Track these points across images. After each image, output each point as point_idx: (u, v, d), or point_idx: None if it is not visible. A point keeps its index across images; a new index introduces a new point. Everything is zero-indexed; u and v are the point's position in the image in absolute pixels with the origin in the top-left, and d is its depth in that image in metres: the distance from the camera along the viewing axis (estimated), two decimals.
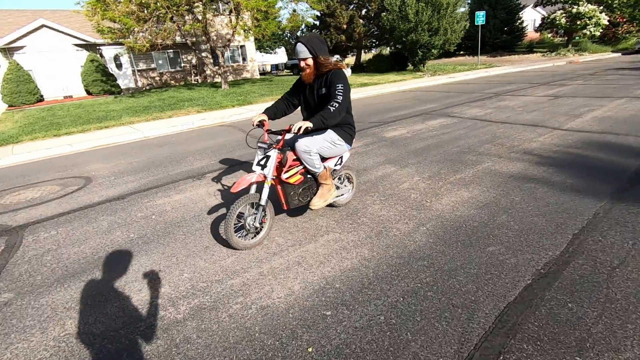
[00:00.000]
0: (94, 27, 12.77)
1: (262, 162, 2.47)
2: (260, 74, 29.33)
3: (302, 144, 2.48)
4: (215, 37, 20.64)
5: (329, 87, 2.47)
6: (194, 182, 4.22)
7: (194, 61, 21.77)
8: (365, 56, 28.15)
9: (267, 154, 2.46)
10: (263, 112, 2.71)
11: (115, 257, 2.62)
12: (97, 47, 18.41)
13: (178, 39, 16.77)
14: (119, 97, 15.45)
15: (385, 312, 1.83)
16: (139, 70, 20.28)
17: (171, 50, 20.70)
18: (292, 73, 28.71)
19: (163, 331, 1.82)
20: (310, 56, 2.43)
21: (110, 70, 18.07)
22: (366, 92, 12.04)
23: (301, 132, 2.29)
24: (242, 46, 23.55)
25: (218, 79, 21.86)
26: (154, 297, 2.11)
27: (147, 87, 20.09)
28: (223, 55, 14.76)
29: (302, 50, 2.41)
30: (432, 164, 4.11)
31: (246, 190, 2.76)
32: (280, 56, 35.46)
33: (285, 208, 2.71)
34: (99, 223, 3.27)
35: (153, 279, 2.28)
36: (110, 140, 7.35)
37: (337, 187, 2.99)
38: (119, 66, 19.64)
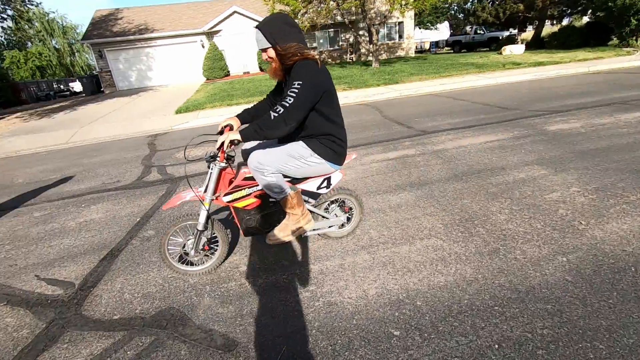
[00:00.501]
0: (270, 10, 14.48)
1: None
2: (417, 52, 27.94)
3: (254, 160, 1.92)
4: (373, 15, 20.55)
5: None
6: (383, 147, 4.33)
7: (351, 40, 22.35)
8: (550, 29, 23.12)
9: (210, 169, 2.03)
10: (236, 115, 2.15)
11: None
12: None
13: (339, 18, 17.42)
14: None
15: (468, 356, 1.43)
16: None
17: (332, 30, 21.76)
18: (452, 51, 26.27)
19: (237, 298, 1.92)
20: (269, 45, 1.83)
21: None
22: (539, 73, 9.90)
23: (225, 147, 1.83)
24: (399, 23, 22.76)
25: (371, 58, 21.91)
26: (241, 264, 2.25)
27: None
28: (377, 33, 14.55)
29: (258, 38, 1.85)
30: (605, 173, 3.03)
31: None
32: (441, 32, 32.79)
33: (243, 235, 2.19)
34: None
35: (244, 247, 2.44)
36: None
37: (323, 217, 2.29)
38: None
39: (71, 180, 4.55)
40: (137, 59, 20.84)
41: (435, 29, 32.93)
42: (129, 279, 2.20)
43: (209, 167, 2.03)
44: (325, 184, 2.18)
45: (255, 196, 2.07)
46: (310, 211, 2.22)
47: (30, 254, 2.70)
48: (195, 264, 2.20)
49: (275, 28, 1.82)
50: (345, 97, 8.80)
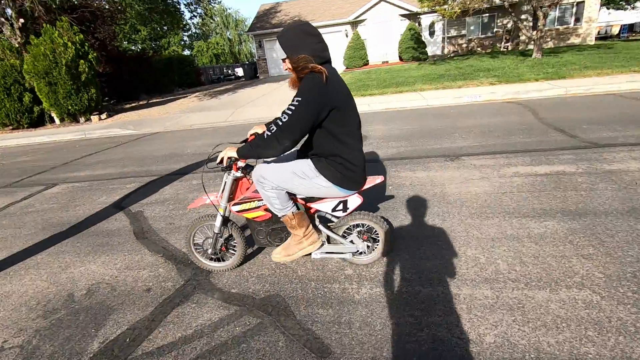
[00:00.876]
0: None
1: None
2: (599, 38, 22.58)
3: (257, 172, 1.90)
4: None
5: None
6: (445, 161, 3.96)
7: (508, 25, 19.52)
8: None
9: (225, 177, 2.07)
10: (266, 124, 2.01)
11: None
12: (417, 16, 19.99)
13: (497, 0, 15.39)
14: (422, 64, 16.48)
15: None
16: (448, 37, 20.58)
17: (486, 15, 19.41)
18: None
19: (337, 303, 1.90)
20: (285, 56, 1.73)
21: (423, 38, 19.37)
22: None
23: (225, 163, 1.87)
24: (578, 3, 18.65)
25: (531, 46, 18.72)
26: (348, 267, 2.22)
27: (452, 55, 20.19)
28: (545, 17, 12.26)
29: (277, 47, 1.78)
30: None
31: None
32: None
33: (256, 244, 2.22)
34: None
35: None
36: (399, 105, 8.07)
37: (339, 243, 2.10)
38: (432, 34, 20.66)
39: None
40: None
41: (632, 8, 25.73)
42: (251, 259, 2.43)
43: (225, 175, 2.07)
44: (341, 206, 2.00)
45: (265, 209, 2.04)
46: (328, 232, 2.09)
47: (184, 216, 3.28)
48: (217, 261, 2.32)
49: (289, 38, 1.71)
50: (492, 93, 7.76)
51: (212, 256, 2.28)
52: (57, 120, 11.65)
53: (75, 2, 12.73)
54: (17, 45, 11.20)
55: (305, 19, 22.11)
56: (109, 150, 7.07)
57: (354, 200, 1.99)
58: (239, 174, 2.05)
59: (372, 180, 2.02)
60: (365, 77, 13.92)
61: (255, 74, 24.80)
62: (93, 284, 2.35)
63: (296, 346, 1.64)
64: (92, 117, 11.56)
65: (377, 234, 2.13)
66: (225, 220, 2.20)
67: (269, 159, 2.05)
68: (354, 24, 21.12)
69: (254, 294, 2.05)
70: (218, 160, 1.91)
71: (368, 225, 2.12)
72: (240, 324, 1.82)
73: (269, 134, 1.69)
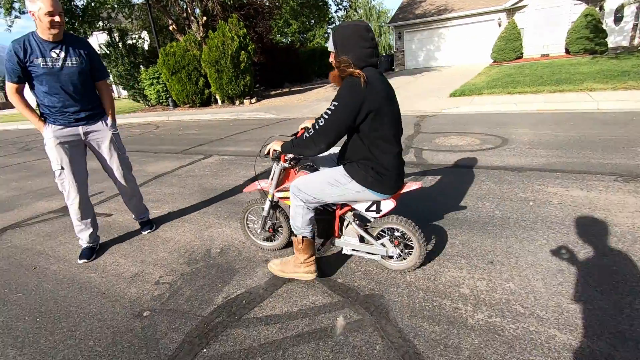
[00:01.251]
0: None
1: None
2: None
3: (294, 184, 2.01)
4: None
5: None
6: (614, 181, 3.14)
7: None
8: None
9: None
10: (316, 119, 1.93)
11: (433, 228, 2.64)
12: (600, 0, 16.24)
13: None
14: (597, 58, 13.41)
15: None
16: None
17: None
18: None
19: (446, 322, 1.72)
20: (332, 50, 1.79)
21: (603, 26, 15.70)
22: None
23: (272, 155, 2.04)
24: None
25: None
26: (464, 284, 1.98)
27: None
28: None
29: (330, 39, 1.81)
30: None
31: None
32: None
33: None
34: (479, 186, 3.34)
35: (474, 264, 2.12)
36: (556, 107, 6.80)
37: (371, 244, 2.12)
38: (618, 20, 16.54)
39: None
40: (429, 39, 21.81)
41: None
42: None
43: (274, 164, 2.21)
44: (374, 208, 2.00)
45: None
46: (361, 231, 2.11)
47: None
48: (266, 241, 2.59)
49: (343, 36, 1.74)
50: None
51: (261, 235, 2.56)
52: (219, 102, 13.91)
53: (244, 1, 14.78)
54: (199, 39, 13.71)
55: (452, 8, 20.56)
56: (254, 130, 8.07)
57: (387, 204, 1.98)
58: (286, 165, 2.16)
59: (409, 186, 2.02)
60: (517, 72, 12.15)
61: (391, 66, 24.49)
62: (225, 245, 2.73)
63: (394, 355, 1.56)
64: (244, 100, 13.39)
65: (412, 241, 2.05)
66: (275, 206, 2.42)
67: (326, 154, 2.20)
68: (511, 11, 18.55)
69: (359, 289, 2.03)
70: (265, 152, 2.07)
71: (402, 232, 2.07)
72: (342, 315, 1.84)
73: (307, 135, 1.80)
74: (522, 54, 17.70)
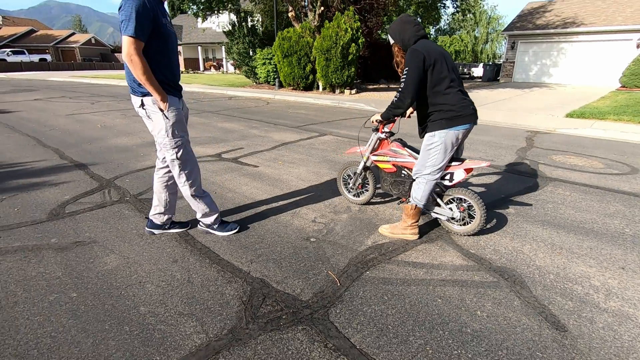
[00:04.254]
0: None
1: None
2: None
3: (416, 171, 2.58)
4: None
5: None
6: None
7: None
8: None
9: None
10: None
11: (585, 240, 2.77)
12: None
13: None
14: None
15: None
16: None
17: None
18: None
19: (578, 300, 1.98)
20: (393, 41, 2.49)
21: None
22: None
23: (374, 124, 2.81)
24: None
25: None
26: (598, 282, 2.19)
27: None
28: None
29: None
30: None
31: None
32: None
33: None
34: (606, 205, 3.36)
35: (601, 268, 2.30)
36: None
37: (441, 206, 2.69)
38: None
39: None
40: (547, 53, 20.10)
41: None
42: (487, 234, 2.74)
43: (373, 134, 2.88)
44: (448, 177, 2.55)
45: (393, 164, 2.77)
46: (436, 197, 2.69)
47: None
48: (355, 196, 3.26)
49: (394, 29, 2.46)
50: None
51: (352, 191, 3.24)
52: (320, 88, 14.75)
53: None
54: (313, 28, 14.61)
55: (582, 22, 18.65)
56: (357, 119, 8.58)
57: (459, 174, 2.50)
58: (382, 135, 2.82)
59: (479, 162, 2.49)
60: None
61: (496, 76, 23.13)
62: (362, 207, 3.24)
63: (531, 311, 1.89)
64: (345, 90, 14.01)
65: (475, 212, 2.55)
66: (366, 168, 3.07)
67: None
68: None
69: (491, 261, 2.37)
70: (369, 121, 2.83)
71: (469, 202, 2.58)
72: (479, 275, 2.20)
73: (395, 99, 2.38)
74: None
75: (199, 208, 2.55)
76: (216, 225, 2.63)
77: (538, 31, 19.58)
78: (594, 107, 9.94)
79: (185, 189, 2.45)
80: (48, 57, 39.30)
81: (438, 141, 2.39)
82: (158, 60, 2.13)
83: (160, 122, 2.22)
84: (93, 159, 4.62)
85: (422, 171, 2.50)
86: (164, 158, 2.46)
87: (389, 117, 2.55)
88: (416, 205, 2.56)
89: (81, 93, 13.68)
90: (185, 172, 2.38)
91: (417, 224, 2.64)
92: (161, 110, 2.18)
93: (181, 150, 2.31)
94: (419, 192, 2.52)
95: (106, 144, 5.46)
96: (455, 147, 2.46)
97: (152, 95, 2.13)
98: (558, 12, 20.82)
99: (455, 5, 14.39)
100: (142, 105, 2.21)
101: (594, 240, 2.69)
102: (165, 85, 2.19)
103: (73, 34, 45.85)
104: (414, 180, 2.61)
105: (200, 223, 2.65)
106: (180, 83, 2.38)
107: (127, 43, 1.95)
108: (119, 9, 1.98)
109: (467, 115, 2.36)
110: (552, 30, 19.11)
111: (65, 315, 1.80)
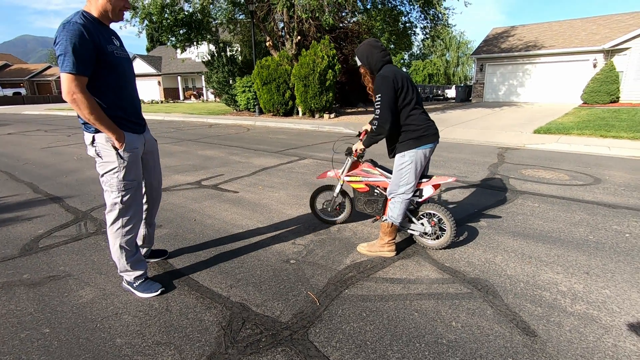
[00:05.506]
0: None
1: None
2: None
3: (390, 191, 2.69)
4: None
5: None
6: None
7: None
8: None
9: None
10: (370, 122, 2.74)
11: (571, 247, 2.92)
12: None
13: None
14: None
15: None
16: None
17: None
18: None
19: (547, 306, 2.07)
20: (360, 64, 2.64)
21: None
22: None
23: (355, 155, 2.87)
24: None
25: None
26: (563, 284, 2.30)
27: None
28: None
29: (355, 63, 2.97)
30: None
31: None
32: None
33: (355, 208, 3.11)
34: (571, 214, 3.55)
35: (568, 274, 2.42)
36: None
37: (413, 222, 2.82)
38: None
39: (438, 167, 5.86)
40: (513, 74, 21.29)
41: None
42: (461, 247, 2.84)
43: (347, 158, 2.99)
44: (418, 193, 2.69)
45: (366, 184, 2.90)
46: (407, 213, 2.76)
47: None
48: (330, 217, 3.33)
49: (361, 52, 2.61)
50: None
51: (328, 212, 3.31)
52: (300, 113, 15.05)
53: (336, 24, 15.97)
54: (291, 56, 15.08)
55: (543, 45, 19.97)
56: (337, 142, 8.77)
57: (428, 190, 2.67)
58: (355, 159, 2.96)
59: (445, 178, 2.69)
60: (611, 116, 11.54)
61: (468, 97, 24.21)
62: (341, 227, 3.30)
63: (503, 319, 1.96)
64: (324, 115, 14.34)
65: (445, 225, 2.68)
66: (343, 193, 3.21)
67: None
68: (609, 52, 17.54)
69: (465, 273, 2.45)
70: (350, 149, 2.87)
71: (439, 217, 2.71)
72: (453, 287, 2.27)
73: (374, 127, 2.53)
74: (618, 98, 16.57)
75: (120, 262, 2.17)
76: (137, 284, 2.22)
77: (503, 54, 20.80)
78: (559, 123, 10.51)
79: (115, 237, 2.10)
80: (23, 91, 38.68)
81: (408, 160, 2.53)
82: (108, 94, 1.92)
83: (113, 162, 1.97)
84: (69, 191, 4.55)
85: (397, 191, 2.61)
86: (144, 192, 2.34)
87: (371, 144, 2.67)
88: (392, 223, 2.65)
89: (57, 125, 13.49)
90: (125, 219, 2.08)
91: (394, 241, 2.72)
92: (116, 149, 1.96)
93: (128, 195, 2.05)
94: (395, 211, 2.63)
95: (83, 175, 5.38)
96: (424, 165, 2.59)
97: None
98: (520, 37, 22.26)
99: (424, 33, 15.22)
100: (93, 142, 1.96)
101: (561, 248, 2.83)
102: (122, 120, 1.99)
103: (49, 67, 45.42)
104: (387, 198, 2.72)
105: (123, 280, 2.28)
106: (143, 114, 2.20)
107: (66, 81, 1.74)
108: (54, 43, 1.77)
109: (431, 135, 2.56)
110: (516, 53, 20.35)
111: (37, 352, 1.75)
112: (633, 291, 2.22)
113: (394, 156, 2.65)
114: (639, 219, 3.43)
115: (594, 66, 18.03)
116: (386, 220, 2.69)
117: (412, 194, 2.59)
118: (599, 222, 3.35)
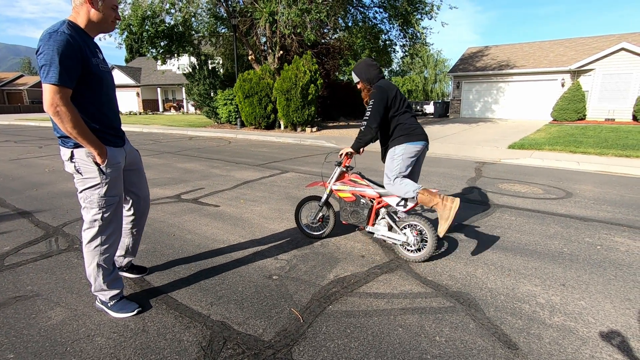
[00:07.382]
0: None
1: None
2: None
3: (386, 183, 2.91)
4: None
5: None
6: None
7: None
8: None
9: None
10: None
11: (577, 256, 3.00)
12: None
13: None
14: None
15: None
16: None
17: None
18: None
19: (527, 319, 2.11)
20: (358, 80, 2.97)
21: None
22: None
23: (342, 158, 3.04)
24: None
25: None
26: (540, 296, 2.36)
27: None
28: None
29: (352, 79, 2.73)
30: None
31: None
32: None
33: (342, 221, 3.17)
34: (546, 227, 3.67)
35: (545, 286, 2.48)
36: (621, 170, 6.88)
37: (396, 232, 2.90)
38: None
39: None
40: (488, 91, 22.19)
41: None
42: (443, 261, 2.87)
43: (335, 167, 3.10)
44: (402, 202, 2.79)
45: (352, 193, 2.98)
46: (391, 222, 2.89)
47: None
48: (313, 231, 3.31)
49: (359, 69, 2.96)
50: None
51: (312, 226, 3.29)
52: (282, 127, 15.07)
53: (318, 40, 16.27)
54: (273, 70, 15.19)
55: (514, 65, 20.96)
56: (318, 155, 8.81)
57: (412, 201, 2.76)
58: (344, 169, 3.07)
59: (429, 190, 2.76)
60: (579, 132, 12.16)
61: (445, 112, 24.96)
62: (325, 241, 3.28)
63: (485, 333, 1.98)
64: (306, 128, 14.42)
65: (427, 236, 2.73)
66: (327, 204, 3.24)
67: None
68: (576, 73, 18.59)
69: (447, 287, 2.48)
70: (340, 153, 3.01)
71: (420, 227, 2.77)
72: (436, 301, 2.29)
73: (363, 128, 2.79)
74: (584, 115, 17.51)
75: (96, 281, 2.06)
76: (111, 303, 2.12)
77: (479, 72, 21.69)
78: (531, 139, 10.97)
79: (92, 255, 2.00)
80: None
81: (399, 152, 2.83)
82: (92, 107, 1.87)
83: (95, 178, 1.90)
84: (39, 205, 4.34)
85: (392, 175, 2.85)
86: (131, 204, 2.28)
87: (359, 146, 2.88)
88: (416, 195, 2.71)
89: (27, 136, 12.95)
90: (104, 236, 1.99)
91: (441, 197, 2.68)
92: (97, 164, 1.88)
93: (109, 212, 1.97)
94: (404, 187, 2.77)
95: (54, 189, 5.16)
96: (414, 160, 2.88)
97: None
98: (494, 56, 23.31)
99: (403, 50, 15.72)
100: (72, 157, 1.88)
101: (538, 260, 2.91)
102: (105, 134, 1.93)
103: (21, 76, 43.87)
104: (376, 202, 2.95)
105: (97, 299, 2.17)
106: (122, 127, 2.15)
107: (50, 92, 1.66)
108: (37, 53, 1.70)
109: (420, 134, 2.87)
110: (490, 72, 21.26)
111: None
112: (606, 302, 2.30)
113: (387, 153, 2.93)
114: (609, 232, 3.58)
115: (562, 85, 19.04)
116: (413, 195, 2.72)
117: (405, 174, 2.85)
118: (572, 235, 3.47)
